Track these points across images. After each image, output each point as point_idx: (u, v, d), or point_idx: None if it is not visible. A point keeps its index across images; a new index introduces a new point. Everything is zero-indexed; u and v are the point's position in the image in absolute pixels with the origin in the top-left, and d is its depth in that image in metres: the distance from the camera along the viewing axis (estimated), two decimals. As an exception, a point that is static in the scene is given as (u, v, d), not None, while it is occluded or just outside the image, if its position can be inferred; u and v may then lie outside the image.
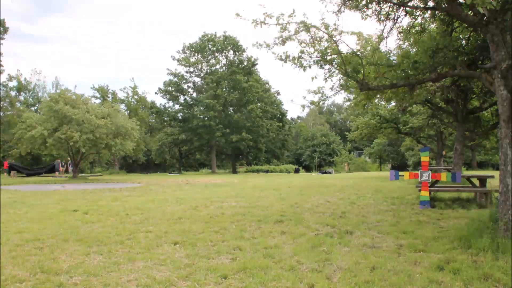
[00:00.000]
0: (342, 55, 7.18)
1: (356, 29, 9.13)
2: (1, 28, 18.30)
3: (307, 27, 6.66)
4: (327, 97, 8.07)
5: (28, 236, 5.68)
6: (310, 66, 7.31)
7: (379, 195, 11.36)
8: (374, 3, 6.78)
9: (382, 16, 7.22)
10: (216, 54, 44.12)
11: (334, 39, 6.89)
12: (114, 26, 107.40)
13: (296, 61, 7.13)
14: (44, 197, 11.59)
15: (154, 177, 29.16)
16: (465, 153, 24.54)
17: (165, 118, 44.86)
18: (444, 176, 8.88)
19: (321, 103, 8.19)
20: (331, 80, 7.87)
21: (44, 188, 16.07)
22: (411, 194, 11.47)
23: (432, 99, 15.94)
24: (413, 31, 8.18)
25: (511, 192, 4.91)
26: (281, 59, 7.10)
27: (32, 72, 60.24)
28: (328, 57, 7.26)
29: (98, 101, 42.85)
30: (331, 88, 8.11)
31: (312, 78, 7.76)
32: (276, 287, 3.53)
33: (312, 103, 8.21)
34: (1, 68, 29.49)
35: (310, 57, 7.20)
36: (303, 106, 8.11)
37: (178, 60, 44.05)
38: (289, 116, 58.82)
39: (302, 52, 7.13)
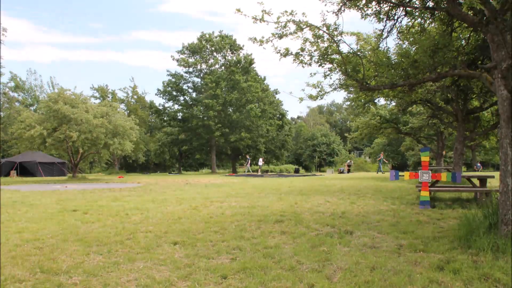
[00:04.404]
0: (343, 54, 7.17)
1: (355, 29, 9.16)
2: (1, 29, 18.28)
3: (304, 26, 6.64)
4: (326, 92, 8.03)
5: (27, 236, 5.68)
6: (310, 64, 7.29)
7: (379, 195, 11.35)
8: (374, 2, 6.77)
9: (382, 15, 7.21)
10: (215, 53, 44.17)
11: (335, 39, 6.88)
12: (114, 26, 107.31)
13: (297, 58, 7.10)
14: (44, 197, 11.58)
15: (154, 177, 29.14)
16: (465, 153, 24.53)
17: (165, 118, 44.89)
18: (444, 176, 8.87)
19: (319, 97, 8.12)
20: (330, 78, 7.87)
21: (44, 188, 16.06)
22: (411, 194, 11.46)
23: (432, 99, 15.94)
24: (413, 30, 8.17)
25: (511, 192, 4.91)
26: (280, 54, 7.03)
27: (28, 72, 60.34)
28: (328, 58, 7.25)
29: (97, 101, 42.93)
30: (330, 85, 8.09)
31: (311, 74, 7.76)
32: (276, 287, 3.53)
33: (310, 97, 8.14)
34: (1, 69, 29.40)
35: (311, 55, 7.19)
36: (301, 99, 8.05)
37: (177, 61, 44.12)
38: (289, 116, 58.85)
39: (302, 50, 7.12)
